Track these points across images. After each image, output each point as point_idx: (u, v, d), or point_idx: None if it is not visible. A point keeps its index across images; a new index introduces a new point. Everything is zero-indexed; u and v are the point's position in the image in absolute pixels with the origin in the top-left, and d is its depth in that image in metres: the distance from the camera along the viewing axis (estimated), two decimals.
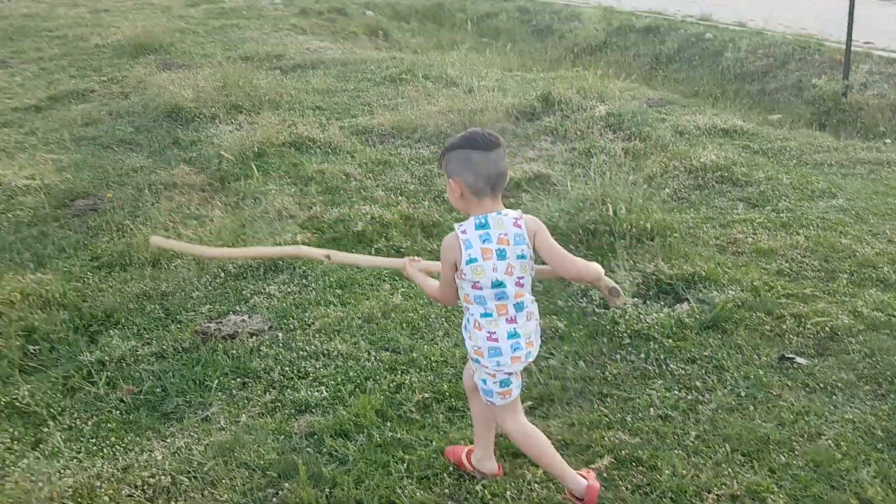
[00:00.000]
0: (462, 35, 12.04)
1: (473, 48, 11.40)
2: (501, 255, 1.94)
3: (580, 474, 2.09)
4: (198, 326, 3.00)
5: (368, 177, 4.59)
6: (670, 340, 2.89)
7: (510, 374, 2.03)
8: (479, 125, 5.18)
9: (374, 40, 10.28)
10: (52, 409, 2.53)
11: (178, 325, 3.04)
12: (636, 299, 3.21)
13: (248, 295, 3.29)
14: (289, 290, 3.34)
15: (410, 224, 3.91)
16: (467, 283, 1.97)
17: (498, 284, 1.95)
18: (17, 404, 2.56)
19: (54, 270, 3.49)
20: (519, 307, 2.00)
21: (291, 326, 3.03)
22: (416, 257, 2.33)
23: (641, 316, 3.06)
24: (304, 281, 3.42)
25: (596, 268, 2.02)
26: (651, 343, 2.88)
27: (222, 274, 3.47)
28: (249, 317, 3.10)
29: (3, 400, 2.59)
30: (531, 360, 2.06)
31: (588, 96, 5.83)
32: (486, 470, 2.20)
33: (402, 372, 2.69)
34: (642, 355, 2.82)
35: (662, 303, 3.17)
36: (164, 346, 2.86)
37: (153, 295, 3.28)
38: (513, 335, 1.99)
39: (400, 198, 4.25)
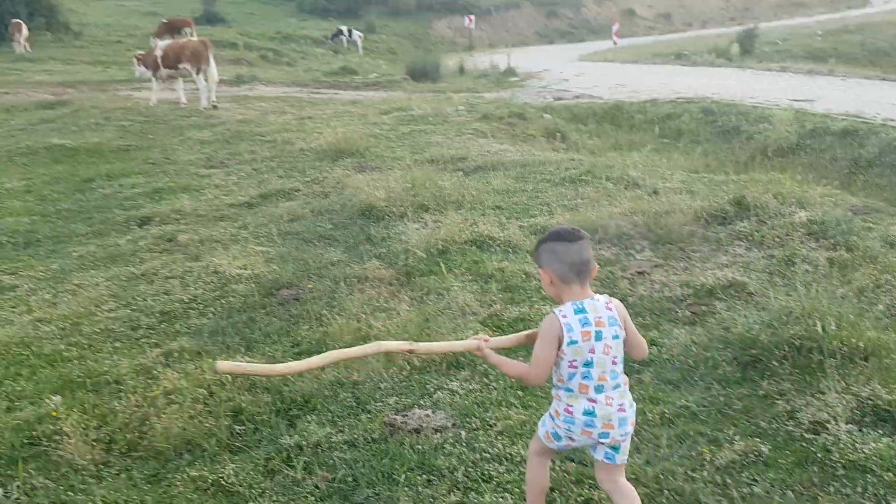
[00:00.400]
0: (641, 136, 12.03)
1: (655, 149, 11.33)
2: (598, 336, 2.18)
3: None
4: (386, 418, 3.10)
5: None
6: (891, 474, 2.59)
7: (571, 438, 2.25)
8: (664, 227, 5.11)
9: (552, 142, 10.53)
10: (253, 490, 2.69)
11: (368, 415, 3.15)
12: (850, 426, 2.90)
13: (432, 389, 3.36)
14: (470, 387, 3.37)
15: None
16: (565, 362, 2.19)
17: (587, 364, 2.18)
18: (223, 483, 2.74)
19: (260, 354, 3.78)
20: (599, 389, 2.20)
21: (474, 426, 3.04)
22: (486, 337, 2.47)
23: (857, 444, 2.76)
24: (485, 379, 3.44)
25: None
26: (868, 476, 2.60)
27: (408, 367, 3.58)
28: (433, 412, 3.15)
29: (211, 478, 2.78)
30: (609, 440, 2.21)
31: (786, 201, 5.53)
32: None
33: (589, 486, 2.58)
34: (859, 489, 2.54)
35: (881, 431, 2.85)
36: (356, 435, 2.97)
37: (345, 383, 3.45)
38: (588, 413, 2.20)
39: None
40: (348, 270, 4.89)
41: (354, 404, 3.27)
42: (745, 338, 3.52)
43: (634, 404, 2.29)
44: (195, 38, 14.59)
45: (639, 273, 4.49)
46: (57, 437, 3.02)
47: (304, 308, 4.34)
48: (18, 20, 24.39)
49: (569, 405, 2.22)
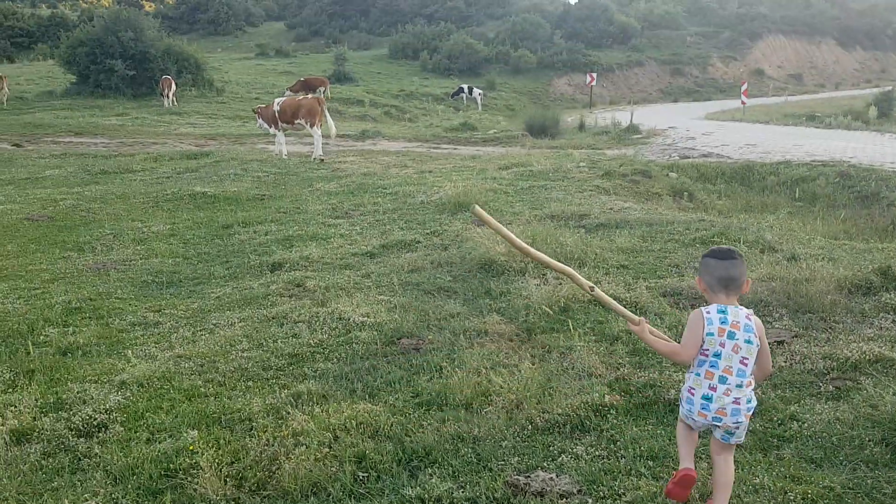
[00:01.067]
0: (774, 199, 11.51)
1: (790, 213, 10.81)
2: (731, 336, 2.67)
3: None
4: (508, 477, 3.02)
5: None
6: None
7: (692, 420, 2.76)
8: (805, 296, 4.80)
9: (679, 201, 10.26)
10: None
11: (490, 473, 3.09)
12: None
13: (556, 452, 3.27)
14: (597, 453, 3.25)
15: None
16: (699, 348, 2.71)
17: (716, 355, 2.68)
18: None
19: (382, 403, 3.82)
20: (722, 380, 2.68)
21: (601, 494, 2.91)
22: (647, 322, 3.02)
23: None
24: (612, 445, 3.31)
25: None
26: None
27: (530, 426, 3.50)
28: (557, 476, 3.05)
29: None
30: (722, 426, 2.70)
31: None
32: (685, 468, 2.83)
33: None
34: None
35: None
36: (478, 493, 2.92)
37: (466, 438, 3.41)
38: (706, 398, 2.70)
39: None
40: (468, 324, 4.89)
41: (475, 460, 3.22)
42: (895, 418, 3.23)
43: (754, 400, 2.73)
44: (310, 97, 15.71)
45: (777, 342, 4.22)
46: (193, 472, 3.15)
47: (425, 359, 4.37)
48: (168, 76, 26.86)
49: (692, 388, 2.75)
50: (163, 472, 3.26)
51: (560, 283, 5.48)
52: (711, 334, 2.70)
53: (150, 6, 66.05)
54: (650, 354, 4.22)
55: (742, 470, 3.07)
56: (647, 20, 62.75)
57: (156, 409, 3.93)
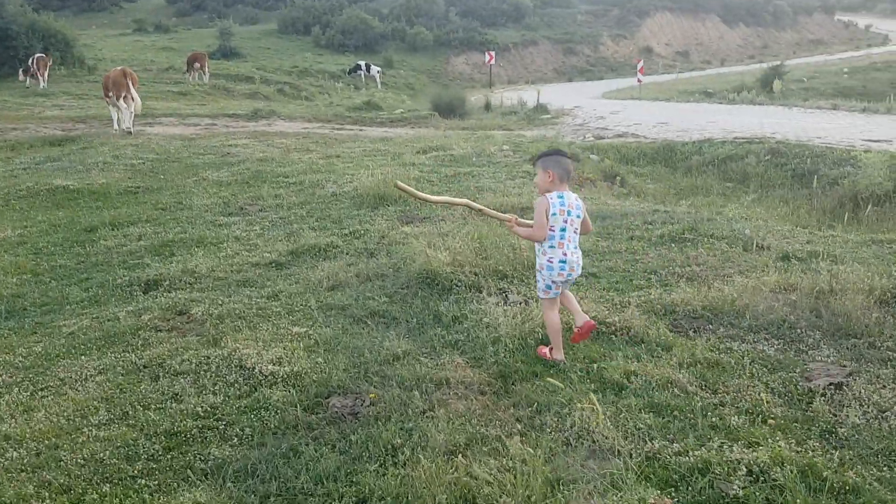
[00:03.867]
0: (704, 180, 10.85)
1: (721, 194, 10.13)
2: (569, 213, 3.57)
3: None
4: None
5: (705, 387, 3.32)
6: None
7: (554, 282, 3.62)
8: (839, 314, 3.83)
9: (613, 187, 9.33)
10: None
11: None
12: None
13: None
14: None
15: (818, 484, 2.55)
16: (546, 226, 3.56)
17: (563, 230, 3.57)
18: None
19: None
20: (568, 247, 3.58)
21: None
22: (517, 217, 3.83)
23: None
24: None
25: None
26: None
27: None
28: None
29: None
30: (572, 279, 3.67)
31: None
32: (556, 357, 3.66)
33: None
34: None
35: None
36: None
37: None
38: (562, 261, 3.58)
39: (766, 428, 2.92)
40: (420, 369, 3.63)
41: None
42: None
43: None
44: (116, 69, 15.07)
45: (833, 386, 3.21)
46: None
47: (368, 433, 3.08)
48: (43, 55, 23.70)
49: (550, 257, 3.58)
50: None
51: (527, 304, 4.31)
52: (555, 214, 3.53)
53: None
54: (679, 413, 3.11)
55: None
56: None
57: None
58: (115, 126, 14.90)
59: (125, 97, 14.31)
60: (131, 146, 12.55)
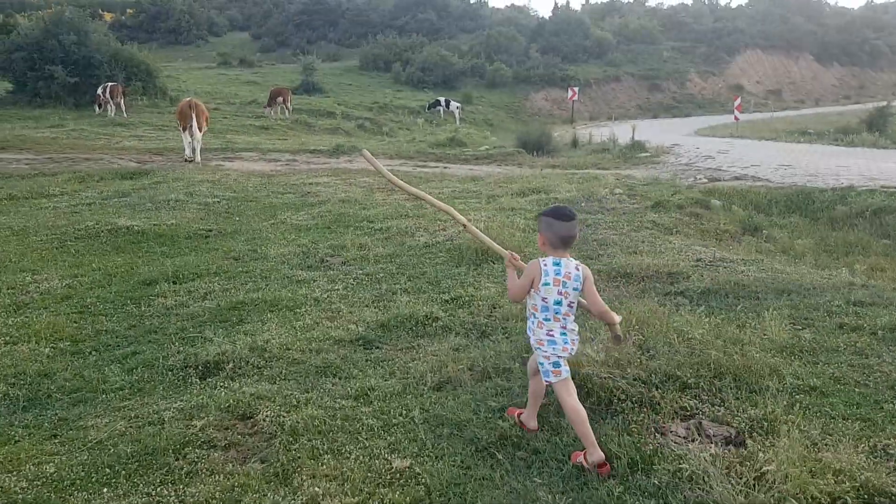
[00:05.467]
0: (857, 236, 9.14)
1: (883, 254, 8.44)
2: (565, 285, 3.02)
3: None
4: None
5: None
6: None
7: (560, 357, 3.04)
8: None
9: (758, 242, 7.79)
10: None
11: None
12: None
13: None
14: None
15: None
16: (539, 296, 3.05)
17: (558, 303, 3.04)
18: None
19: None
20: (565, 322, 3.07)
21: None
22: (517, 255, 3.32)
23: None
24: None
25: (614, 316, 3.12)
26: None
27: None
28: None
29: None
30: (573, 352, 3.09)
31: None
32: (530, 426, 3.23)
33: None
34: None
35: None
36: None
37: None
38: (563, 334, 3.05)
39: None
40: None
41: None
42: None
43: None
44: (184, 100, 15.54)
45: None
46: None
47: None
48: (116, 83, 23.90)
49: (550, 330, 3.06)
50: None
51: (738, 443, 2.90)
52: (547, 284, 3.03)
53: (109, 16, 62.36)
54: None
55: None
56: (622, 34, 61.26)
57: None
58: (187, 152, 15.27)
59: (189, 128, 14.69)
60: (207, 182, 11.77)
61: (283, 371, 4.19)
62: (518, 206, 8.85)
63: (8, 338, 4.98)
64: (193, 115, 14.62)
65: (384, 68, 47.04)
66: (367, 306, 5.38)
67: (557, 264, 3.01)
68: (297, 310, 5.37)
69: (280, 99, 26.64)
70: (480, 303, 5.16)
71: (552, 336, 3.03)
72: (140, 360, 4.51)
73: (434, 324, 4.81)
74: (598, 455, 2.84)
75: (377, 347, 4.53)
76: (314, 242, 7.63)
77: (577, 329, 3.10)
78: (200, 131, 14.91)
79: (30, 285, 6.28)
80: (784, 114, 44.97)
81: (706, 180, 13.33)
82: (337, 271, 6.55)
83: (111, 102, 23.50)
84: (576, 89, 37.57)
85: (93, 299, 5.90)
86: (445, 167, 15.46)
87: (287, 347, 4.53)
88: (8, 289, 6.17)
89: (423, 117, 32.40)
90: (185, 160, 15.00)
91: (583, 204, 8.86)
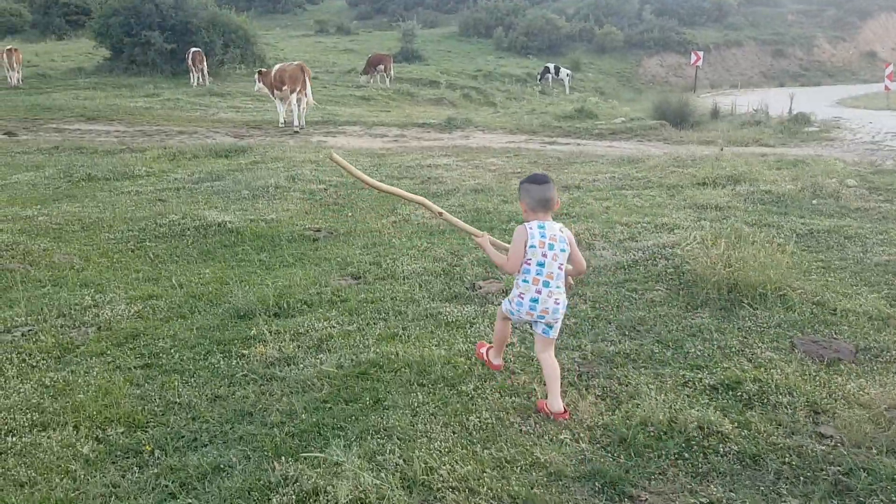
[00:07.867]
0: None
1: None
2: (551, 247, 3.07)
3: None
4: None
5: None
6: None
7: (519, 316, 3.16)
8: None
9: None
10: None
11: None
12: None
13: None
14: None
15: None
16: (523, 260, 3.09)
17: (540, 264, 3.07)
18: None
19: None
20: (546, 284, 3.07)
21: None
22: (489, 236, 3.43)
23: None
24: None
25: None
26: None
27: None
28: None
29: None
30: (542, 320, 3.10)
31: None
32: (495, 363, 3.47)
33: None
34: None
35: None
36: None
37: None
38: (533, 301, 3.08)
39: None
40: None
41: None
42: None
43: (566, 301, 3.15)
44: (294, 63, 14.60)
45: None
46: None
47: None
48: (198, 49, 22.77)
49: (521, 292, 3.11)
50: None
51: None
52: (533, 246, 3.06)
53: None
54: None
55: None
56: None
57: None
58: (281, 120, 14.55)
59: (299, 92, 13.91)
60: (310, 163, 10.05)
61: None
62: (723, 204, 6.57)
63: (35, 417, 3.27)
64: (307, 79, 13.78)
65: (485, 34, 44.54)
66: (573, 385, 3.36)
67: (542, 227, 3.10)
68: (461, 385, 3.41)
69: (381, 67, 24.87)
70: (751, 386, 3.03)
71: (521, 299, 3.12)
72: (222, 491, 2.66)
73: (725, 453, 2.72)
74: (557, 406, 3.06)
75: (627, 496, 2.50)
76: (455, 254, 5.67)
77: (560, 296, 3.09)
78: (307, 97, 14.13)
79: (87, 311, 4.62)
80: None
81: None
82: (490, 304, 4.56)
83: (194, 69, 22.40)
84: (700, 53, 33.99)
85: (167, 342, 4.16)
86: (578, 144, 13.18)
87: (466, 481, 2.58)
88: (57, 317, 4.52)
89: (535, 86, 29.97)
90: (294, 130, 14.05)
91: (814, 202, 6.50)
